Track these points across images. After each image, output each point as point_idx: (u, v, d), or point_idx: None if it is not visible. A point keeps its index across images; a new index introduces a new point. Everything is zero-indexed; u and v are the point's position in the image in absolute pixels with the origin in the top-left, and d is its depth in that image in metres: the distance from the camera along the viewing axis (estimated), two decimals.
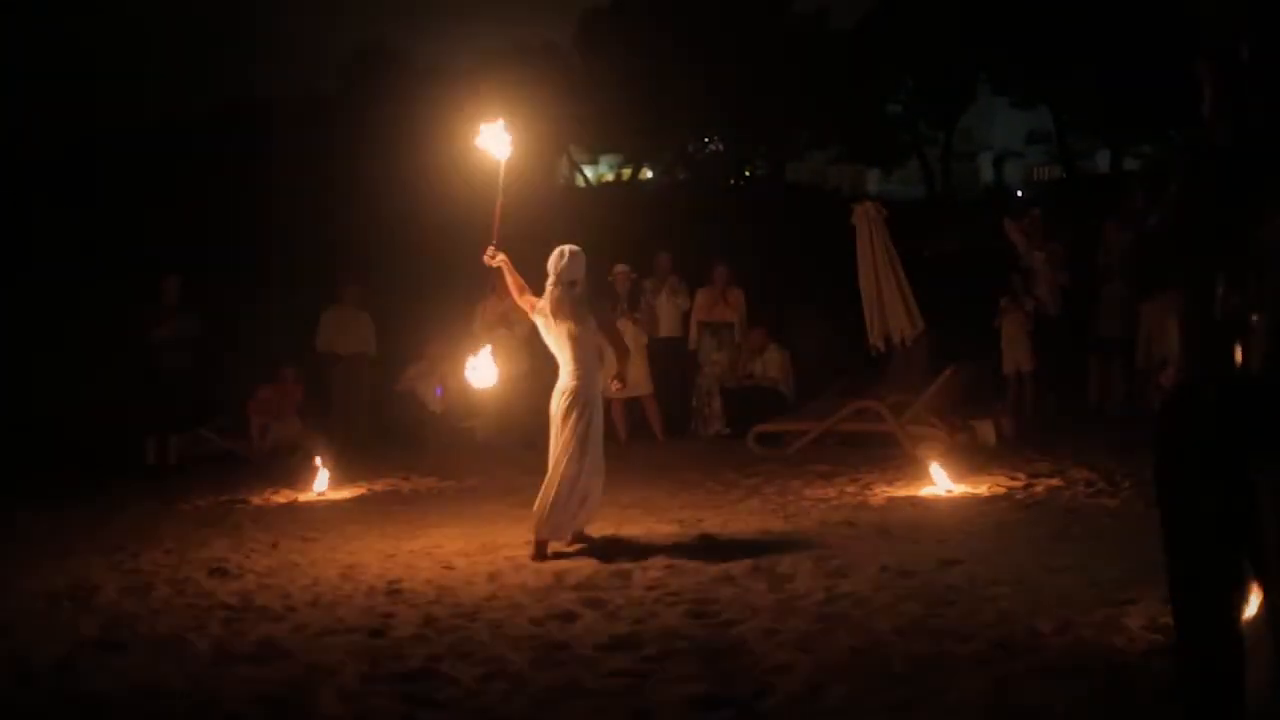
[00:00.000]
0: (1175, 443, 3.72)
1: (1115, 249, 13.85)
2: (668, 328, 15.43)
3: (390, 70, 44.50)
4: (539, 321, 8.80)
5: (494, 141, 9.08)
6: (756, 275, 16.14)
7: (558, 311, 8.64)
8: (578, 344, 8.64)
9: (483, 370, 9.25)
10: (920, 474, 10.85)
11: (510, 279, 8.98)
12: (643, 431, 14.83)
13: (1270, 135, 3.68)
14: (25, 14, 38.08)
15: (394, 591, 7.54)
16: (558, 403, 8.65)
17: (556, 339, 8.71)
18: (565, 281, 8.64)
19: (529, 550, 8.49)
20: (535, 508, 8.52)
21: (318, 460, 12.19)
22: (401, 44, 47.52)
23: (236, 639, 6.54)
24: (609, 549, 8.56)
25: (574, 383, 8.63)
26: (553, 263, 8.70)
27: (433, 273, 22.20)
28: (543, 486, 8.55)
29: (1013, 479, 10.80)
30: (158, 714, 5.47)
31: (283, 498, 11.87)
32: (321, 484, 11.99)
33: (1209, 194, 3.63)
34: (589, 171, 54.21)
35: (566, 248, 8.72)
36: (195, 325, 14.87)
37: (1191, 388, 3.68)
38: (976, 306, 15.44)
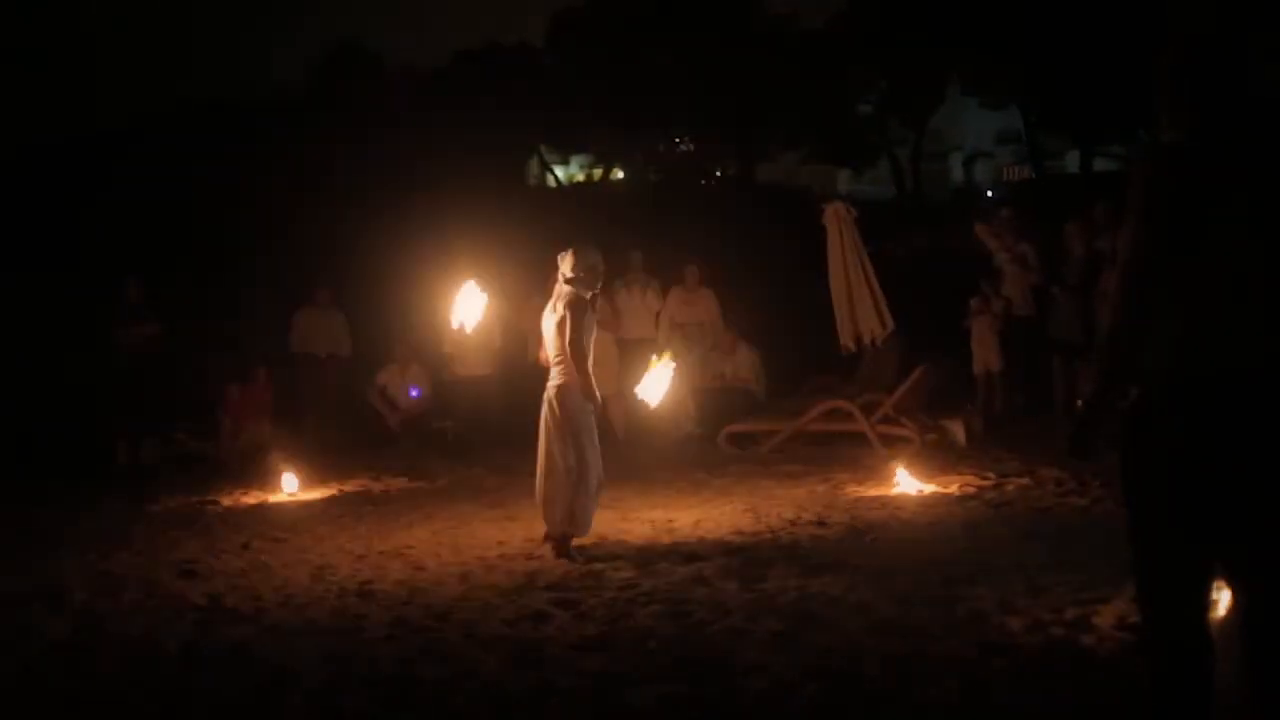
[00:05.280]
0: (1142, 443, 3.73)
1: (1073, 252, 13.91)
2: (639, 328, 15.39)
3: (361, 70, 44.35)
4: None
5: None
6: (727, 276, 16.12)
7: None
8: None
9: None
10: (890, 474, 10.87)
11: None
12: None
13: (1226, 134, 3.72)
14: None
15: (365, 593, 7.53)
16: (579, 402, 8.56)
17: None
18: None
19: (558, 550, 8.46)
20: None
21: (284, 467, 12.15)
22: (372, 43, 47.31)
23: (207, 641, 6.52)
24: (581, 550, 8.56)
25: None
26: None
27: (404, 273, 22.14)
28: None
29: (983, 478, 10.84)
30: (127, 716, 5.45)
31: (253, 499, 11.83)
32: (292, 485, 11.95)
33: (1166, 210, 3.65)
34: (560, 171, 54.18)
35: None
36: (160, 326, 14.83)
37: (1159, 388, 3.70)
38: (946, 307, 15.48)
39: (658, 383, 9.48)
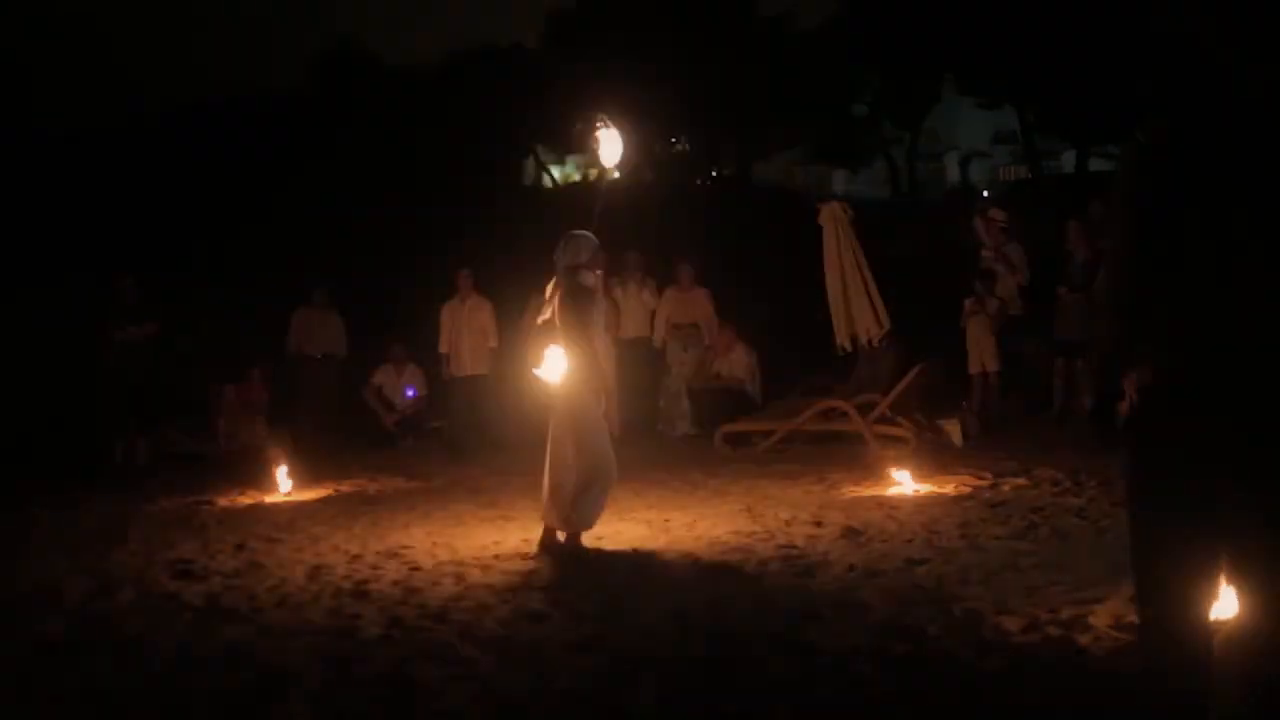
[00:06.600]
0: (1146, 436, 3.72)
1: (1076, 254, 13.91)
2: (635, 328, 15.41)
3: (358, 70, 44.37)
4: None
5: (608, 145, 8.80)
6: (723, 275, 16.15)
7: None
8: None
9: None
10: (886, 473, 10.88)
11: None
12: None
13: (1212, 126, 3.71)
14: None
15: (361, 593, 7.51)
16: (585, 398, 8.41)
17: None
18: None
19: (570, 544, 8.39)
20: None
21: (279, 467, 12.14)
22: (370, 44, 47.39)
23: (202, 641, 6.50)
24: (577, 550, 8.55)
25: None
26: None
27: (401, 273, 22.16)
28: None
29: (979, 478, 10.84)
30: (123, 716, 5.44)
31: (249, 499, 11.82)
32: (287, 485, 11.94)
33: (1153, 198, 3.64)
34: (555, 171, 54.20)
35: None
36: (154, 325, 14.82)
37: (1165, 387, 3.69)
38: (942, 307, 15.48)
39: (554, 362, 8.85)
